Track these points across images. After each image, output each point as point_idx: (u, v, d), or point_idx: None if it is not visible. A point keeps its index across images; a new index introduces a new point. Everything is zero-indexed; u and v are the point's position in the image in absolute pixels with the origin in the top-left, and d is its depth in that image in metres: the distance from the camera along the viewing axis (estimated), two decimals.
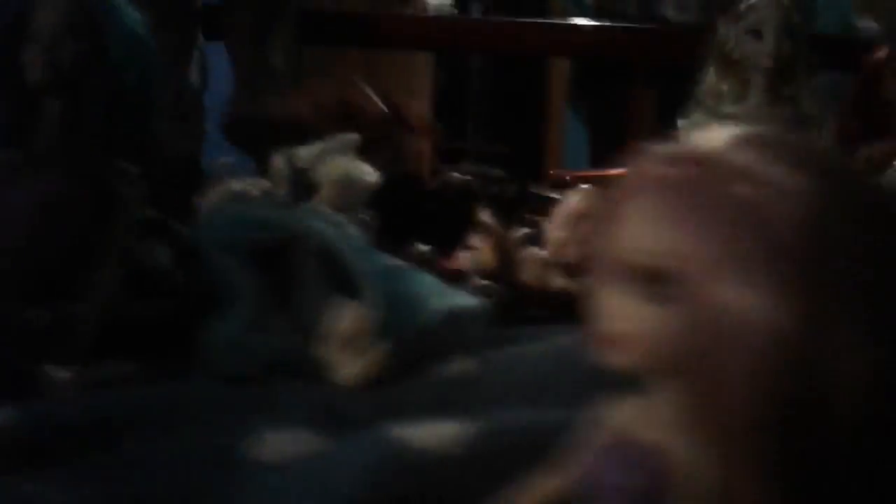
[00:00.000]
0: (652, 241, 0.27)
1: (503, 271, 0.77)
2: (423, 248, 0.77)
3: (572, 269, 0.78)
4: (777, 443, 0.25)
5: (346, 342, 0.50)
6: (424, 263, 0.73)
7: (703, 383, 0.26)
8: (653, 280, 0.27)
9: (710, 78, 0.88)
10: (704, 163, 0.27)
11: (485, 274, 0.76)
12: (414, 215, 0.90)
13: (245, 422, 0.47)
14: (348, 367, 0.51)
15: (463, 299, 0.58)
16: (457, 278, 0.73)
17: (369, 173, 0.78)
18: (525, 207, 1.02)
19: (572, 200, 0.80)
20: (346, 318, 0.50)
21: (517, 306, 0.74)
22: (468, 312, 0.57)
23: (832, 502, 0.26)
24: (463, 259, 0.77)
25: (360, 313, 0.50)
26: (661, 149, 0.29)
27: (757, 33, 0.85)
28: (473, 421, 0.44)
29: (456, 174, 0.99)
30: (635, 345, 0.28)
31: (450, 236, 0.84)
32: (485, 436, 0.42)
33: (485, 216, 0.81)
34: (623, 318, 0.28)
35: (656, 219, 0.27)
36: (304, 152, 0.74)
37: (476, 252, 0.78)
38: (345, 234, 0.58)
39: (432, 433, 0.41)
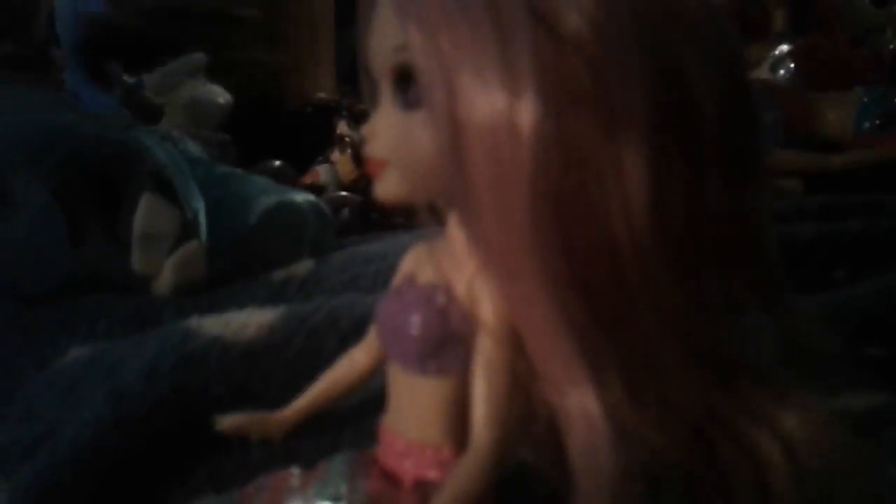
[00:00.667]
0: (393, 35, 0.22)
1: (365, 182, 0.73)
2: (276, 163, 0.73)
3: None
4: (560, 254, 0.21)
5: (153, 243, 0.46)
6: (279, 178, 0.69)
7: (473, 201, 0.21)
8: (402, 83, 0.23)
9: None
10: None
11: (345, 186, 0.73)
12: (273, 134, 0.85)
13: (42, 339, 0.43)
14: (163, 276, 0.47)
15: (297, 195, 0.54)
16: (315, 191, 0.70)
17: (220, 94, 0.75)
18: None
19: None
20: (144, 214, 0.46)
21: (380, 215, 0.71)
22: (302, 207, 0.53)
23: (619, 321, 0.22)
24: (322, 171, 0.74)
25: (168, 211, 0.46)
26: None
27: None
28: (287, 309, 0.41)
29: (320, 94, 0.95)
30: (398, 164, 0.23)
31: (310, 152, 0.81)
32: (288, 321, 0.39)
33: (342, 128, 0.78)
34: (385, 134, 0.23)
35: (395, 10, 0.22)
36: (151, 78, 0.71)
37: (335, 164, 0.74)
38: (176, 151, 0.54)
39: (233, 321, 0.38)
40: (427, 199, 0.25)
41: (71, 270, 0.49)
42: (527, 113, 0.20)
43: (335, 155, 0.75)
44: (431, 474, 0.23)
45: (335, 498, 0.24)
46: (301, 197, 0.55)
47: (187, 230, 0.47)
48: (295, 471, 0.26)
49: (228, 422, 0.30)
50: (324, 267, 0.53)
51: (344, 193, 0.71)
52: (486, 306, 0.22)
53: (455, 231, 0.23)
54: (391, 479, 0.24)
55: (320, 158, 0.76)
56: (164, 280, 0.47)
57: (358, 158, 0.74)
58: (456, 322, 0.23)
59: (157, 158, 0.48)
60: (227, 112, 0.70)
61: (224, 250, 0.49)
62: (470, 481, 0.22)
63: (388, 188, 0.23)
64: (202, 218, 0.47)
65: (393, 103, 0.23)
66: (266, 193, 0.52)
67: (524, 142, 0.20)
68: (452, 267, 0.23)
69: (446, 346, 0.23)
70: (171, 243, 0.46)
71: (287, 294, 0.51)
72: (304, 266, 0.53)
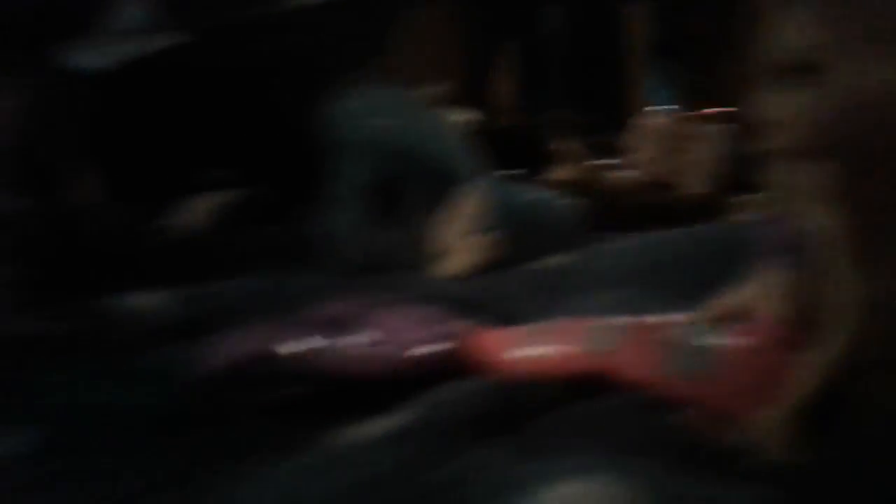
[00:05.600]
0: (797, 36, 0.33)
1: (589, 189, 0.82)
2: (515, 172, 0.83)
3: (661, 185, 0.83)
4: None
5: (462, 231, 0.56)
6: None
7: (850, 159, 0.33)
8: (801, 71, 0.33)
9: None
10: None
11: (570, 193, 0.82)
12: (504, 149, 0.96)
13: None
14: (456, 255, 0.57)
15: (553, 195, 0.64)
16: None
17: (465, 114, 0.85)
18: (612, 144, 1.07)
19: (657, 120, 0.84)
20: (464, 207, 0.57)
21: (609, 218, 0.79)
22: (557, 205, 0.63)
23: None
24: (549, 178, 0.83)
25: (473, 197, 0.56)
26: None
27: None
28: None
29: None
30: (788, 128, 0.34)
31: (536, 164, 0.90)
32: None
33: (560, 143, 0.87)
34: (778, 106, 0.34)
35: (798, 18, 0.33)
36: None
37: (561, 172, 0.83)
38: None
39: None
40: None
41: (377, 249, 0.61)
42: None
43: (560, 165, 0.84)
44: (774, 335, 0.37)
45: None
46: (562, 199, 0.64)
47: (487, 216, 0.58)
48: None
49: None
50: (575, 260, 0.62)
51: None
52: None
53: (815, 175, 0.34)
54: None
55: (546, 168, 0.85)
56: (460, 259, 0.58)
57: (580, 168, 0.82)
58: (794, 237, 0.36)
59: (457, 153, 0.58)
60: (474, 129, 0.80)
61: (506, 239, 0.59)
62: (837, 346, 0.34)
63: (776, 144, 0.35)
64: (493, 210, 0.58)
65: (787, 86, 0.34)
66: (526, 192, 0.62)
67: None
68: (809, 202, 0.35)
69: (788, 249, 0.36)
70: (476, 230, 0.57)
71: (546, 282, 0.60)
72: (558, 259, 0.62)
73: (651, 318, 0.42)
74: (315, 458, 0.38)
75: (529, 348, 0.43)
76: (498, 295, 0.59)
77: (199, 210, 0.77)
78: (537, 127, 1.01)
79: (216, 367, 0.41)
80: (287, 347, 0.41)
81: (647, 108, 0.97)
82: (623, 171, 0.87)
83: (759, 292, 0.38)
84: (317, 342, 0.42)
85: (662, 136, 0.83)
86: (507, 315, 0.58)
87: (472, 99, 0.97)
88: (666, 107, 0.88)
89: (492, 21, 1.57)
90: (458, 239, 0.59)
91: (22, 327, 0.50)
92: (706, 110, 1.08)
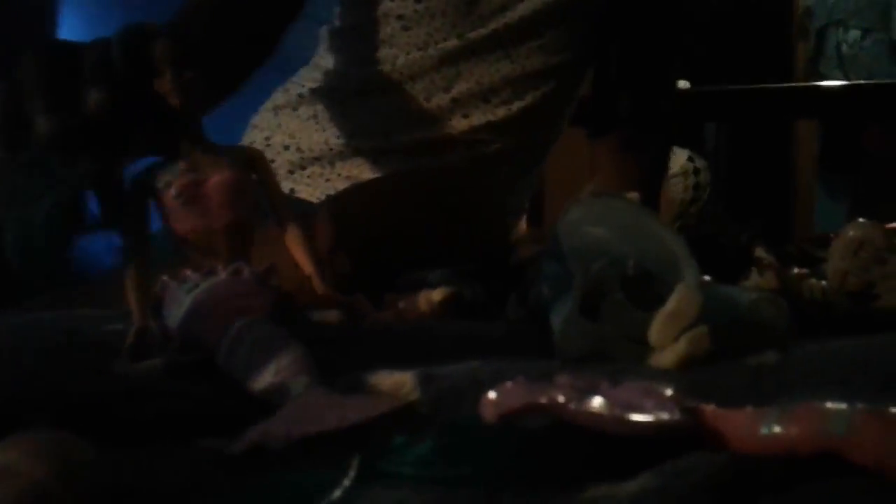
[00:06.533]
0: None
1: (785, 297, 0.85)
2: (706, 277, 0.88)
3: (854, 296, 0.85)
4: None
5: (672, 322, 0.62)
6: None
7: None
8: None
9: None
10: None
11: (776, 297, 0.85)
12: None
13: None
14: (671, 349, 0.63)
15: (762, 296, 0.68)
16: None
17: None
18: (802, 257, 1.10)
19: (851, 231, 0.87)
20: (675, 298, 0.62)
21: (804, 326, 0.82)
22: (779, 303, 0.67)
23: None
24: (748, 286, 0.87)
25: (688, 293, 0.62)
26: None
27: None
28: None
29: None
30: None
31: (730, 274, 0.95)
32: None
33: (760, 252, 0.91)
34: None
35: None
36: None
37: (757, 280, 0.87)
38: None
39: None
40: None
41: (591, 340, 0.67)
42: None
43: (755, 274, 0.88)
44: None
45: None
46: (771, 299, 0.68)
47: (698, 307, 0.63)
48: None
49: None
50: (788, 359, 0.66)
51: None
52: None
53: None
54: None
55: (742, 277, 0.89)
56: (671, 355, 0.63)
57: (779, 276, 0.86)
58: None
59: (673, 253, 0.64)
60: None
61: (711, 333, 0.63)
62: None
63: None
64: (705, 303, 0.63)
65: None
66: (739, 292, 0.67)
67: None
68: None
69: None
70: (686, 325, 0.62)
71: (761, 378, 0.64)
72: (772, 356, 0.66)
73: (888, 407, 0.46)
74: None
75: (764, 427, 0.47)
76: (716, 385, 0.64)
77: (422, 302, 0.87)
78: (736, 235, 1.06)
79: (491, 417, 0.47)
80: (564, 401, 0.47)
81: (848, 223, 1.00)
82: (820, 281, 0.90)
83: None
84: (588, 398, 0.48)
85: (861, 247, 0.85)
86: (728, 401, 0.62)
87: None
88: (861, 220, 0.90)
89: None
90: (672, 333, 0.64)
91: None
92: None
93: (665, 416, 0.48)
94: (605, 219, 0.74)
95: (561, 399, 0.47)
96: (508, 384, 0.48)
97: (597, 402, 0.48)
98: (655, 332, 0.66)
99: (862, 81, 1.92)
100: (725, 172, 2.70)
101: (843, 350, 0.66)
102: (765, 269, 0.87)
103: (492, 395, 0.47)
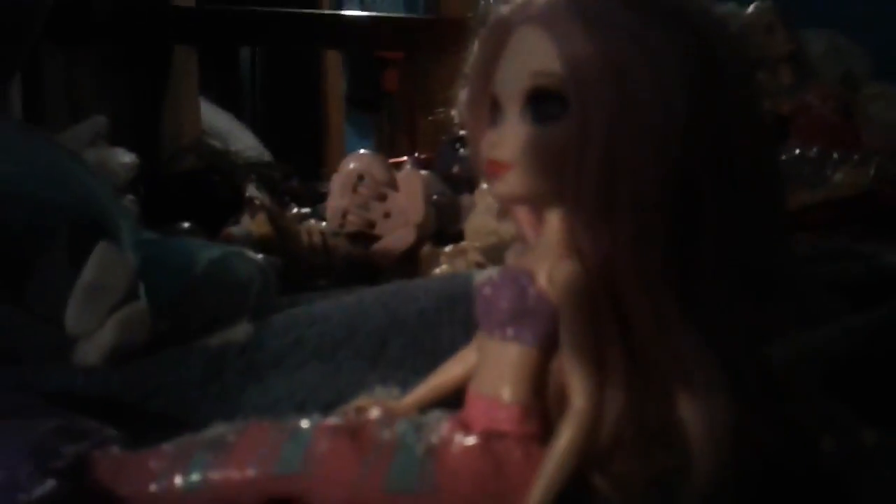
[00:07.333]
0: (532, 62, 0.29)
1: (279, 243, 0.71)
2: (186, 224, 0.69)
3: (356, 236, 0.74)
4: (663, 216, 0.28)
5: (93, 299, 0.41)
6: None
7: (589, 191, 0.28)
8: (540, 100, 0.29)
9: None
10: None
11: (259, 247, 0.70)
12: (178, 198, 0.81)
13: None
14: (97, 336, 0.43)
15: (238, 252, 0.51)
16: None
17: (125, 155, 0.71)
18: (305, 195, 0.98)
19: (348, 165, 0.76)
20: (94, 264, 0.42)
21: (300, 277, 0.68)
22: (250, 260, 0.50)
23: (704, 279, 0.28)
24: (235, 232, 0.70)
25: (111, 257, 0.42)
26: None
27: None
28: None
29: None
30: (527, 166, 0.29)
31: (218, 217, 0.77)
32: None
33: (251, 191, 0.75)
34: (513, 143, 0.29)
35: (539, 42, 0.29)
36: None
37: (247, 225, 0.71)
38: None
39: None
40: (538, 196, 0.30)
41: None
42: (675, 118, 0.27)
43: (246, 218, 0.72)
44: (501, 427, 0.29)
45: (417, 427, 0.29)
46: (237, 253, 0.52)
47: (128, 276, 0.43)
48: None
49: (358, 405, 0.35)
50: (264, 331, 0.50)
51: (260, 255, 0.68)
52: (564, 289, 0.28)
53: (551, 227, 0.30)
54: (466, 427, 0.29)
55: (231, 220, 0.73)
56: (100, 343, 0.43)
57: (272, 219, 0.71)
58: (532, 300, 0.29)
59: (101, 202, 0.44)
60: (133, 173, 0.66)
61: (163, 309, 0.45)
62: (574, 438, 0.27)
63: (508, 187, 0.30)
64: (147, 272, 0.44)
65: (522, 118, 0.30)
66: (207, 248, 0.49)
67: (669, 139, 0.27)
68: (538, 260, 0.30)
69: (524, 318, 0.29)
70: (115, 302, 0.42)
71: (226, 362, 0.47)
72: (242, 331, 0.50)
73: (351, 416, 0.32)
74: None
75: (183, 476, 0.30)
76: (163, 381, 0.46)
77: None
78: (225, 172, 0.89)
79: None
80: None
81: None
82: (320, 221, 0.77)
83: (494, 370, 0.29)
84: None
85: (360, 181, 0.74)
86: (173, 417, 0.44)
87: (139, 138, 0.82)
88: (361, 152, 0.80)
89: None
90: (99, 315, 0.44)
91: None
92: (404, 158, 1.04)
93: (39, 491, 0.29)
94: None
95: None
96: None
97: None
98: (73, 314, 0.45)
99: (382, 14, 1.93)
100: (261, 107, 2.58)
101: (332, 313, 0.52)
102: (256, 210, 0.72)
103: None
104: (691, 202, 0.28)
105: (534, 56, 0.29)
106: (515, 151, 0.29)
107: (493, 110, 0.31)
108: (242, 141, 1.34)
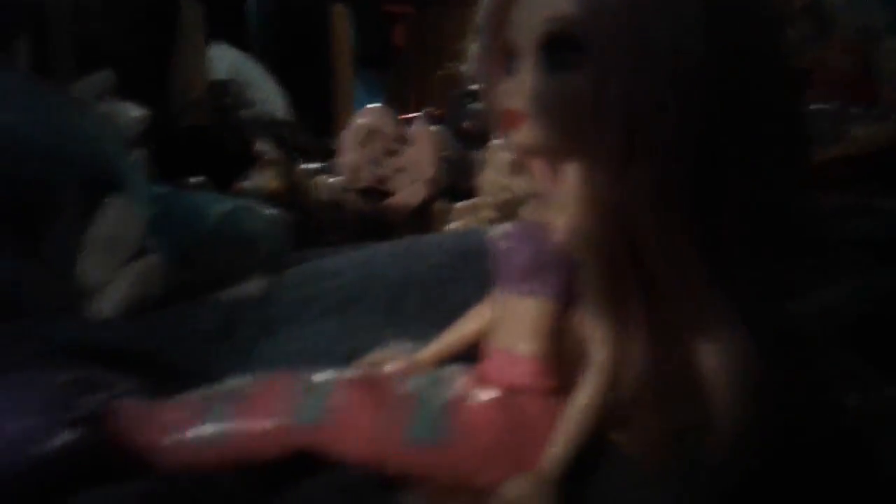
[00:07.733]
0: (547, 7, 0.28)
1: (291, 198, 0.70)
2: (196, 179, 0.68)
3: (367, 192, 0.74)
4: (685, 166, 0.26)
5: (113, 249, 0.41)
6: None
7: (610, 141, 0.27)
8: (556, 47, 0.28)
9: None
10: None
11: (271, 203, 0.70)
12: (188, 152, 0.80)
13: None
14: (112, 288, 0.42)
15: (251, 206, 0.51)
16: None
17: (134, 109, 0.70)
18: (315, 151, 0.97)
19: (360, 118, 0.75)
20: (110, 217, 0.41)
21: (312, 232, 0.68)
22: (261, 214, 0.50)
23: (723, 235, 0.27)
24: (246, 187, 0.70)
25: (126, 213, 0.41)
26: None
27: None
28: None
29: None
30: (544, 115, 0.28)
31: (229, 172, 0.76)
32: None
33: (262, 146, 0.74)
34: (528, 90, 0.28)
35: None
36: None
37: (257, 180, 0.70)
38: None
39: None
40: (555, 146, 0.29)
41: None
42: (694, 62, 0.26)
43: (256, 172, 0.72)
44: (520, 381, 0.29)
45: (434, 381, 0.30)
46: (250, 207, 0.51)
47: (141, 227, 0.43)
48: None
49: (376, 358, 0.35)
50: (278, 285, 0.50)
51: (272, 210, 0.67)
52: (584, 242, 0.27)
53: (569, 179, 0.29)
54: (484, 381, 0.29)
55: (242, 175, 0.72)
56: (114, 295, 0.43)
57: (283, 175, 0.70)
58: (550, 254, 0.29)
59: (111, 158, 0.43)
60: (142, 127, 0.65)
61: (175, 263, 0.44)
62: (595, 393, 0.27)
63: (526, 138, 0.28)
64: (160, 224, 0.43)
65: (537, 67, 0.28)
66: (219, 201, 0.49)
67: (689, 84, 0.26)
68: (555, 213, 0.29)
69: (541, 272, 0.29)
70: (128, 255, 0.42)
71: (240, 317, 0.47)
72: (256, 285, 0.50)
73: (368, 370, 0.32)
74: None
75: (202, 427, 0.30)
76: (176, 335, 0.45)
77: None
78: (234, 127, 0.88)
79: None
80: None
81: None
82: (331, 176, 0.77)
83: (512, 325, 0.29)
84: None
85: (371, 136, 0.74)
86: (186, 370, 0.44)
87: (146, 91, 0.81)
88: (371, 106, 0.79)
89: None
90: (112, 268, 0.43)
91: None
92: (414, 113, 1.02)
93: (54, 442, 0.29)
94: (9, 103, 0.49)
95: None
96: None
97: None
98: (86, 266, 0.44)
99: None
100: (268, 64, 2.54)
101: (345, 268, 0.52)
102: (266, 165, 0.71)
103: None
104: (712, 153, 0.27)
105: (548, 1, 0.28)
106: (532, 100, 0.28)
107: (507, 60, 0.30)
108: (264, 90, 1.32)
